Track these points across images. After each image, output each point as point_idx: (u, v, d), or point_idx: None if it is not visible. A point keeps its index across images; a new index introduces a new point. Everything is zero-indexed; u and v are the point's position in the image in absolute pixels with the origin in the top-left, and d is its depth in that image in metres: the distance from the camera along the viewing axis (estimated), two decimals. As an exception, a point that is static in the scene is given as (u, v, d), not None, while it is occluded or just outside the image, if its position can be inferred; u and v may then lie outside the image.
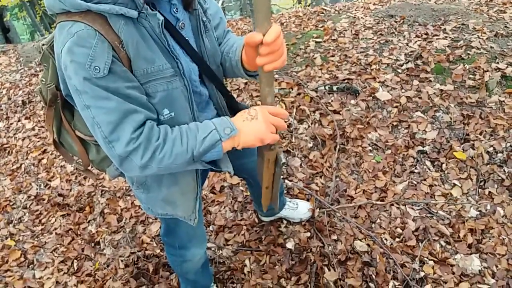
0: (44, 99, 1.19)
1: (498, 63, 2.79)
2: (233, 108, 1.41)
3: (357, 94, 2.81)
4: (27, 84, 4.39)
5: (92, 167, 1.36)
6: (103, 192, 2.83)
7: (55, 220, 2.74)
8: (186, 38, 1.11)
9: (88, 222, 2.67)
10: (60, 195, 2.93)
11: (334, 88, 2.86)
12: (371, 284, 1.94)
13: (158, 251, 2.31)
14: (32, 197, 2.98)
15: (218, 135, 1.04)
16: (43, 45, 1.11)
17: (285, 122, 1.69)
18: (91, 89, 0.93)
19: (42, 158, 3.33)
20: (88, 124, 0.99)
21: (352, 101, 2.80)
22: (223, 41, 1.34)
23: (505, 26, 3.19)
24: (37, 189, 3.04)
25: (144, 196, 1.36)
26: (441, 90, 2.74)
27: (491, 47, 2.94)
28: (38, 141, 3.51)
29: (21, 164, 3.33)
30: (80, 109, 0.98)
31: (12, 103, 4.12)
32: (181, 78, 1.06)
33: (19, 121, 3.85)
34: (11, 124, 3.85)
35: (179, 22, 1.09)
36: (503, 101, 2.59)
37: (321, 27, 3.73)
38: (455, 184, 2.30)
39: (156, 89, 1.03)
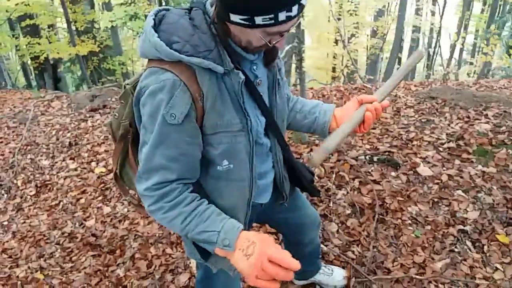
0: (112, 132, 1.29)
1: (542, 151, 2.78)
2: (289, 161, 1.46)
3: (398, 167, 2.83)
4: (76, 127, 4.62)
5: None
6: (136, 237, 2.85)
7: (85, 259, 2.75)
8: (261, 94, 1.19)
9: (118, 265, 2.67)
10: (93, 235, 2.97)
11: (375, 158, 2.90)
12: None
13: (185, 301, 2.27)
14: (66, 234, 3.02)
15: (216, 239, 1.08)
16: (127, 84, 1.22)
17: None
18: (157, 131, 1.03)
19: (81, 198, 3.42)
20: (140, 156, 1.11)
21: (393, 173, 2.81)
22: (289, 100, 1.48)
23: (549, 117, 3.21)
24: (71, 227, 3.09)
25: (189, 240, 1.39)
26: (483, 171, 2.73)
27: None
28: (79, 181, 3.62)
29: (59, 202, 3.43)
30: (141, 143, 1.10)
31: (60, 144, 4.32)
32: (247, 134, 1.13)
33: (63, 160, 4.02)
34: (56, 163, 4.01)
35: (257, 79, 1.18)
36: (549, 189, 2.55)
37: (363, 101, 3.85)
38: (497, 268, 2.21)
39: (221, 141, 1.10)
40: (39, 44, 10.08)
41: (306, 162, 1.25)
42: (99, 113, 4.99)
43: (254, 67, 1.17)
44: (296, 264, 0.99)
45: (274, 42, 1.06)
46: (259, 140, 1.24)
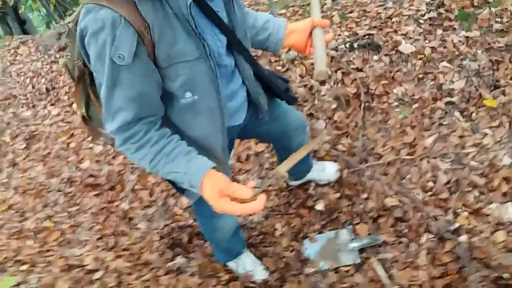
0: (70, 73, 1.22)
1: (527, 2, 2.64)
2: (259, 75, 1.39)
3: (379, 49, 2.72)
4: (49, 71, 4.45)
5: None
6: (132, 170, 2.88)
7: (89, 200, 2.82)
8: (216, 10, 1.07)
9: (121, 199, 2.74)
10: (91, 176, 3.00)
11: (355, 45, 2.77)
12: (403, 239, 1.93)
13: (191, 221, 2.35)
14: (65, 180, 3.06)
15: (183, 179, 1.08)
16: (68, 22, 1.12)
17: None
18: (108, 73, 0.96)
19: (71, 142, 3.40)
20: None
21: (375, 57, 2.71)
22: None
23: (533, -37, 2.99)
24: (68, 172, 3.12)
25: None
26: (467, 37, 2.61)
27: (518, -14, 2.78)
28: (65, 126, 3.58)
29: (51, 150, 3.42)
30: (97, 84, 1.03)
31: (37, 91, 4.20)
32: (207, 60, 1.04)
33: (45, 108, 3.93)
34: (38, 111, 3.94)
35: None
36: (534, 42, 2.46)
37: (336, -16, 3.60)
38: (486, 133, 2.22)
39: (178, 73, 1.02)
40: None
41: (314, 78, 1.29)
42: (69, 51, 4.76)
43: None
44: (246, 210, 1.00)
45: None
46: (221, 62, 1.15)
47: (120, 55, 0.92)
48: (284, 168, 1.14)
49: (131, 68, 0.95)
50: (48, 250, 2.53)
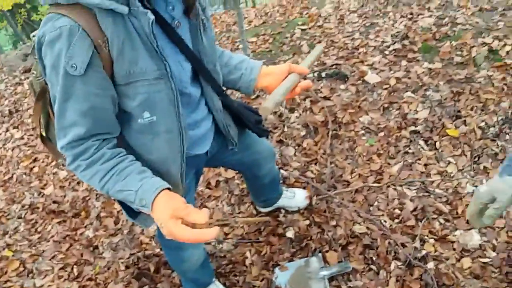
0: (34, 92, 1.17)
1: (484, 37, 2.79)
2: (229, 106, 1.39)
3: (346, 79, 2.80)
4: (13, 93, 4.33)
5: None
6: (97, 196, 2.80)
7: (52, 228, 2.71)
8: (182, 37, 1.07)
9: (85, 227, 2.64)
10: (54, 202, 2.89)
11: (323, 74, 2.85)
12: (373, 266, 1.94)
13: (157, 250, 2.29)
14: (27, 207, 2.94)
15: (133, 198, 1.01)
16: (33, 36, 1.09)
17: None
18: (62, 84, 0.93)
19: (34, 167, 3.28)
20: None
21: (342, 86, 2.79)
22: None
23: (489, 0, 3.19)
24: (30, 198, 3.00)
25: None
26: (430, 68, 2.74)
27: (476, 22, 2.94)
28: (28, 150, 3.46)
29: (12, 174, 3.29)
30: (51, 98, 1.00)
31: (-1, 114, 4.07)
32: (168, 81, 1.02)
33: (7, 131, 3.80)
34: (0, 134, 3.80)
35: (174, 21, 1.05)
36: (491, 75, 2.59)
37: (306, 14, 3.72)
38: (449, 162, 2.30)
39: (137, 91, 1.00)
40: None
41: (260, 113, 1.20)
42: (35, 72, 4.65)
43: (170, 7, 1.04)
44: (197, 236, 0.92)
45: None
46: (184, 90, 1.13)
47: (73, 65, 0.90)
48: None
49: (85, 79, 0.93)
50: (6, 281, 2.41)
